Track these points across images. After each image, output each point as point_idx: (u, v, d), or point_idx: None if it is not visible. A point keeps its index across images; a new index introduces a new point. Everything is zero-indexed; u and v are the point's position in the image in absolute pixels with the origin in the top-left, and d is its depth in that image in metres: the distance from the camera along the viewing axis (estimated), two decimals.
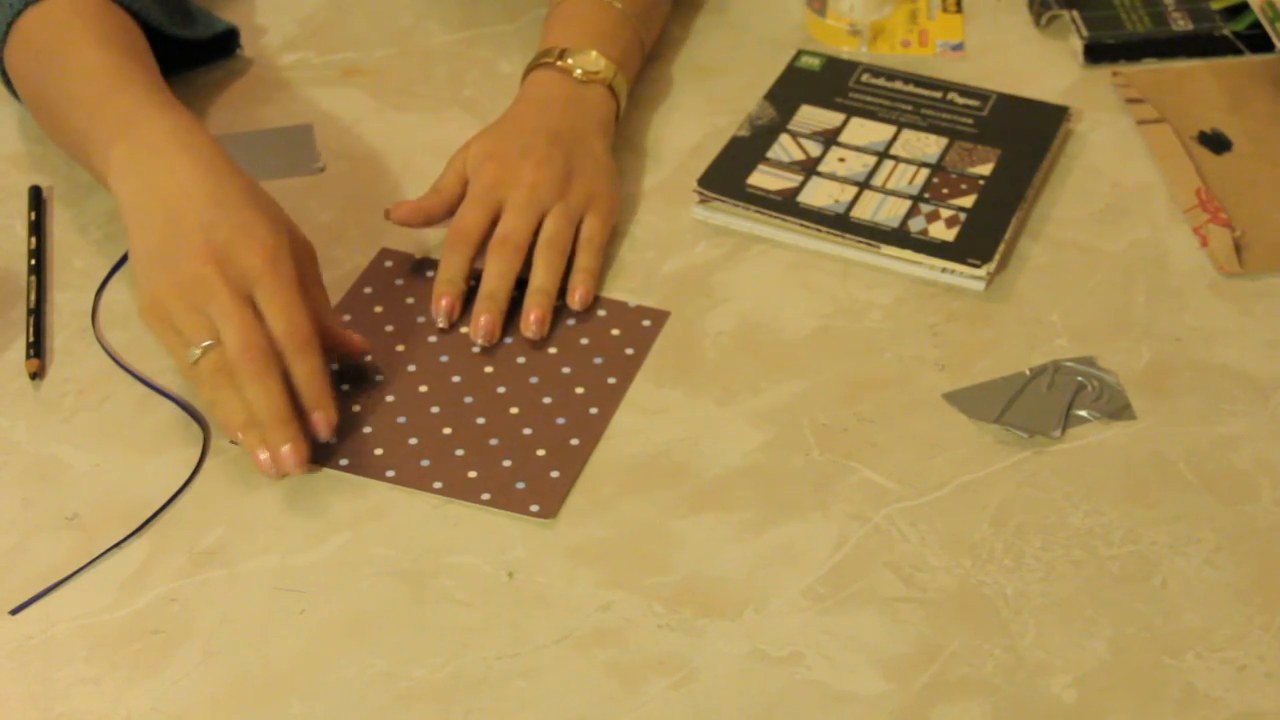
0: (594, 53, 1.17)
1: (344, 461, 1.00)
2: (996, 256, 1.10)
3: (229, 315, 0.97)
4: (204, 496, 0.99)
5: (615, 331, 1.08)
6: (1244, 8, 1.29)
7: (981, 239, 1.11)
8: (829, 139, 1.19)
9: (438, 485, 0.98)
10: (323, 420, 0.98)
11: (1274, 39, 1.24)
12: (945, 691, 0.88)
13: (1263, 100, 1.23)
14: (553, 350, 1.06)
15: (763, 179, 1.16)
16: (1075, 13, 1.30)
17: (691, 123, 1.23)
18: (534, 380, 1.04)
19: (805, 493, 0.98)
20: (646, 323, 1.08)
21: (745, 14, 1.34)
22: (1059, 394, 1.03)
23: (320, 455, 1.00)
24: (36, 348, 1.07)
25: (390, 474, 0.99)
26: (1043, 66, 1.28)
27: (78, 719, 0.89)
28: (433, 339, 1.07)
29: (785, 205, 1.14)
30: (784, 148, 1.18)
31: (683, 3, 1.34)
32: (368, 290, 1.10)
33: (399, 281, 1.11)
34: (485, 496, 0.98)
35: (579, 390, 1.04)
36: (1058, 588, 0.93)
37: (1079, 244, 1.13)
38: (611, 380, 1.04)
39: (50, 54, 1.12)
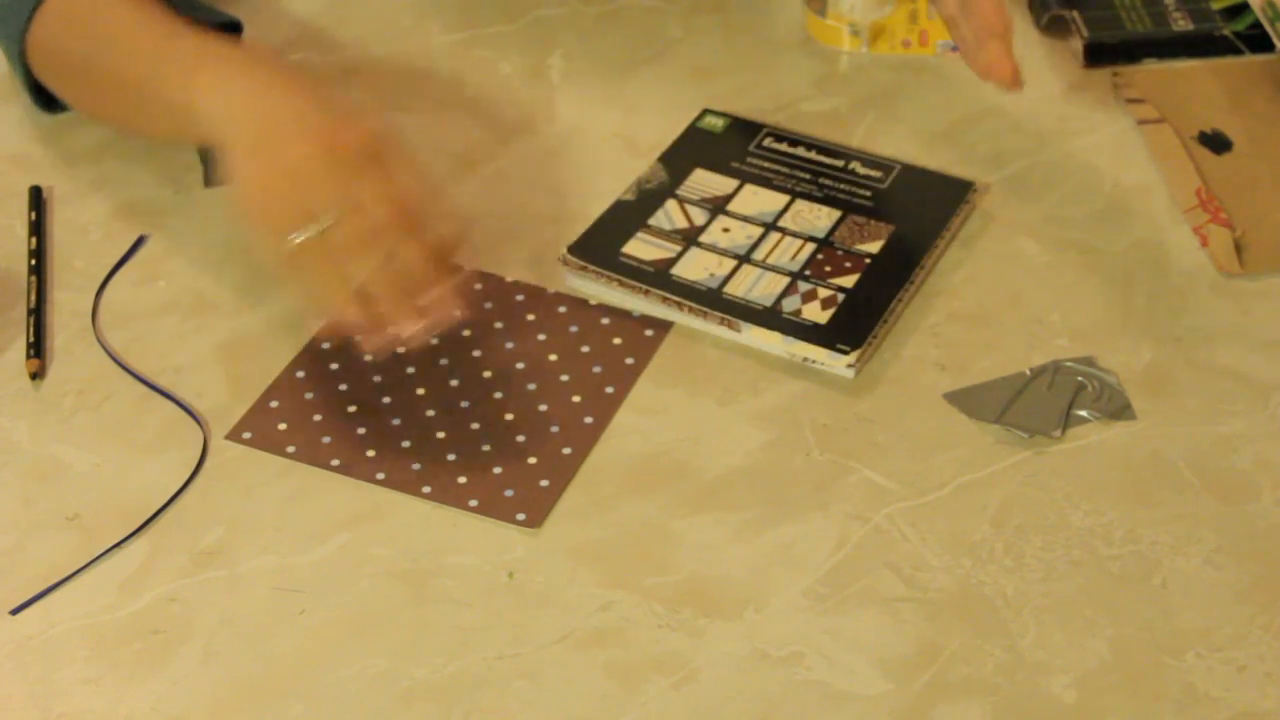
0: None
1: (335, 462, 1.00)
2: (867, 343, 1.04)
3: (336, 201, 0.96)
4: (204, 496, 0.99)
5: (617, 340, 1.07)
6: (1244, 8, 1.29)
7: (855, 324, 1.05)
8: (717, 207, 1.14)
9: (427, 490, 0.98)
10: (439, 298, 0.97)
11: (1274, 39, 1.24)
12: (945, 691, 0.88)
13: (1263, 100, 1.23)
14: (553, 357, 1.06)
15: (639, 248, 1.10)
16: (1075, 13, 1.30)
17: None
18: (531, 387, 1.04)
19: (805, 493, 0.98)
20: (649, 332, 1.08)
21: (745, 14, 1.34)
22: (1059, 394, 1.03)
23: (316, 456, 1.00)
24: (36, 348, 1.07)
25: (380, 476, 0.99)
26: (1043, 66, 1.28)
27: (78, 719, 0.89)
28: (434, 340, 1.07)
29: (656, 277, 1.09)
30: (668, 214, 1.13)
31: (683, 2, 1.34)
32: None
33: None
34: (473, 503, 0.98)
35: (576, 399, 1.04)
36: (1058, 588, 0.93)
37: (1079, 244, 1.13)
38: (609, 389, 1.04)
39: (91, 22, 1.12)
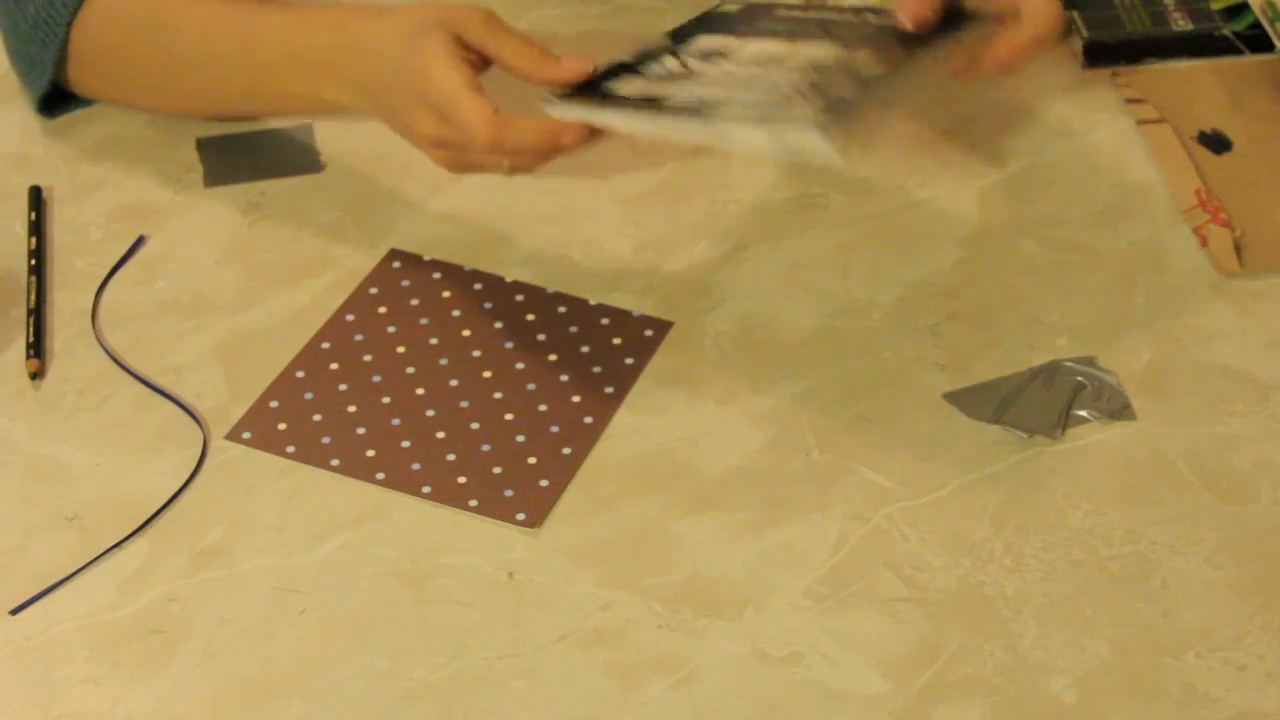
0: None
1: (335, 461, 1.00)
2: (846, 124, 0.95)
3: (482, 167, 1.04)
4: (204, 496, 0.99)
5: (616, 340, 1.07)
6: (1244, 8, 1.29)
7: (835, 107, 0.96)
8: (718, 55, 1.06)
9: (426, 490, 0.98)
10: (572, 61, 1.03)
11: (1274, 39, 1.24)
12: (945, 691, 0.88)
13: (1263, 100, 1.23)
14: (552, 357, 1.06)
15: (630, 87, 1.03)
16: (1075, 13, 1.30)
17: None
18: (531, 387, 1.04)
19: (805, 493, 0.98)
20: (649, 332, 1.08)
21: None
22: (1059, 394, 1.03)
23: (316, 455, 1.00)
24: (36, 348, 1.07)
25: (380, 476, 0.99)
26: (1043, 66, 1.28)
27: (78, 719, 0.89)
28: (434, 341, 1.07)
29: (645, 103, 1.01)
30: (665, 66, 1.06)
31: (682, 3, 1.33)
32: (373, 290, 1.10)
33: (405, 283, 1.11)
34: (473, 503, 0.98)
35: (575, 399, 1.03)
36: (1058, 588, 0.93)
37: (1079, 244, 1.13)
38: (609, 390, 1.04)
39: (145, 15, 1.14)
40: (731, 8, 1.16)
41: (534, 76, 1.04)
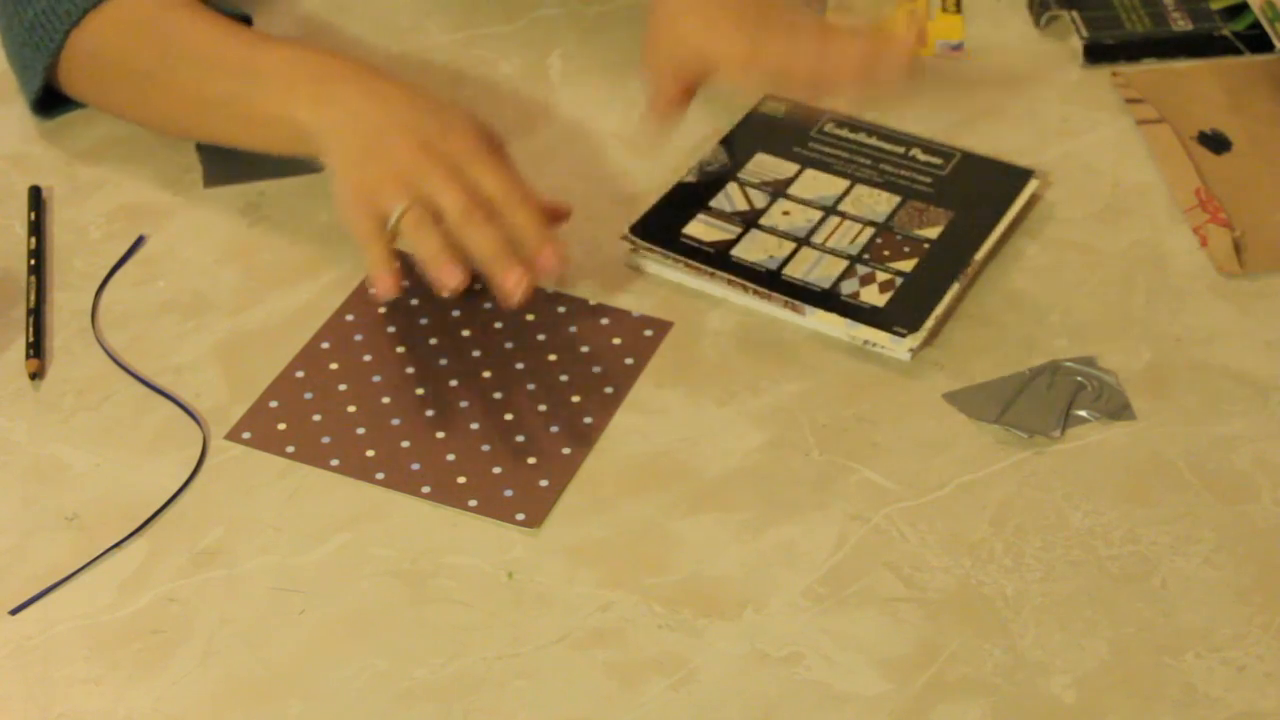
0: None
1: (335, 461, 1.00)
2: (925, 329, 1.05)
3: (446, 184, 1.03)
4: (204, 496, 0.99)
5: (616, 340, 1.07)
6: (1244, 8, 1.29)
7: (913, 308, 1.06)
8: (778, 190, 1.15)
9: (426, 490, 0.98)
10: (551, 254, 1.02)
11: (1274, 39, 1.24)
12: (945, 691, 0.88)
13: (1263, 100, 1.23)
14: (552, 357, 1.06)
15: (700, 229, 1.11)
16: (1075, 13, 1.30)
17: (690, 124, 1.22)
18: (531, 387, 1.04)
19: (805, 493, 0.98)
20: (648, 332, 1.08)
21: None
22: (1059, 394, 1.03)
23: (315, 456, 1.00)
24: (36, 348, 1.07)
25: (380, 476, 0.99)
26: (1042, 67, 1.28)
27: (77, 719, 0.89)
28: (433, 341, 1.07)
29: (716, 258, 1.10)
30: (729, 197, 1.14)
31: None
32: (373, 290, 1.10)
33: (405, 283, 1.11)
34: (472, 503, 0.98)
35: (575, 399, 1.03)
36: (1057, 588, 0.93)
37: (1079, 244, 1.13)
38: (608, 390, 1.04)
39: (157, 32, 1.14)
40: (778, 109, 1.22)
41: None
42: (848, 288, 1.08)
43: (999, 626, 0.91)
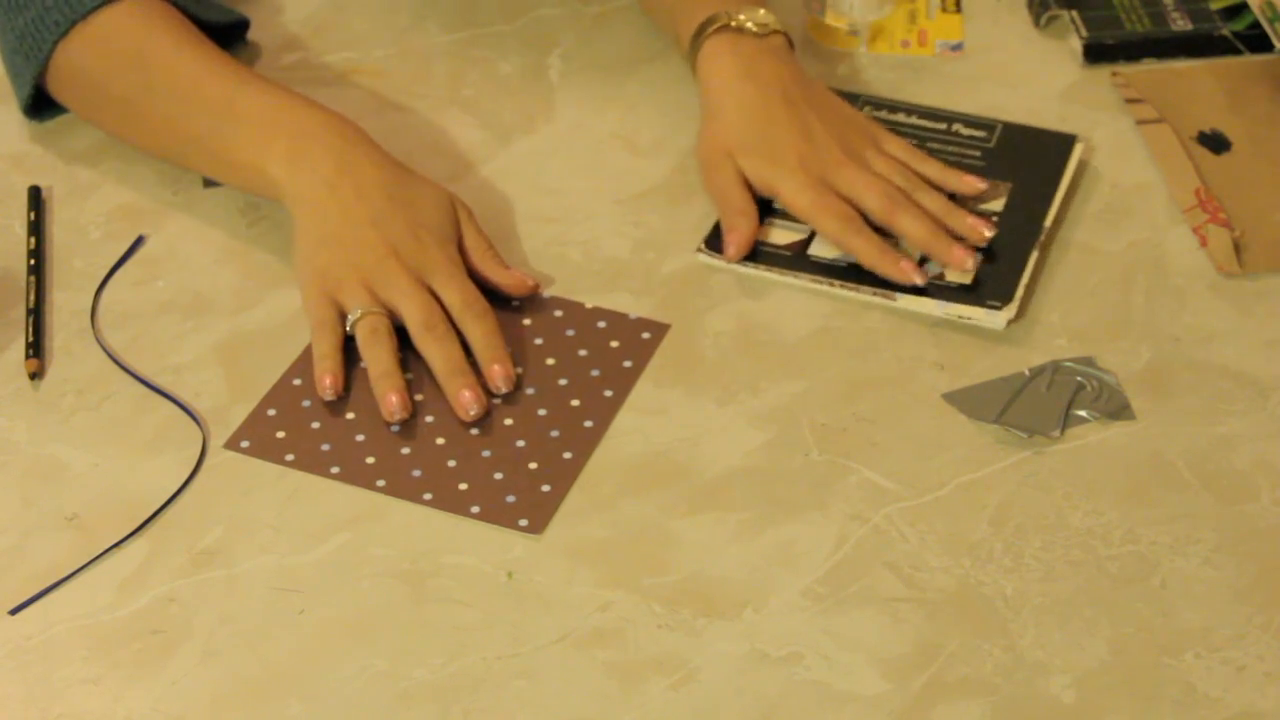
0: (761, 10, 1.18)
1: (336, 469, 1.00)
2: (1017, 297, 1.07)
3: (410, 294, 1.05)
4: (203, 497, 0.99)
5: (614, 343, 1.07)
6: (1243, 8, 1.29)
7: (999, 280, 1.08)
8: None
9: (428, 497, 0.98)
10: (500, 373, 1.03)
11: (1274, 39, 1.24)
12: (945, 691, 0.88)
13: (1262, 100, 1.23)
14: (550, 361, 1.06)
15: (770, 233, 1.12)
16: (1075, 13, 1.30)
17: (691, 123, 1.23)
18: (530, 391, 1.04)
19: (805, 493, 0.98)
20: (646, 335, 1.08)
21: None
22: (1058, 394, 1.03)
23: (316, 463, 1.00)
24: (36, 348, 1.07)
25: (381, 483, 0.99)
26: (1042, 67, 1.28)
27: (77, 719, 0.89)
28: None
29: (795, 260, 1.11)
30: None
31: None
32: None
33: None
34: (475, 509, 0.98)
35: (574, 403, 1.03)
36: (1057, 588, 0.93)
37: (1079, 244, 1.13)
38: (608, 393, 1.04)
39: (142, 57, 1.14)
40: None
41: (481, 269, 1.09)
42: (931, 269, 1.09)
43: (999, 626, 0.91)
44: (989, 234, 1.09)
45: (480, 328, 1.05)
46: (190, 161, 1.16)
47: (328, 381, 1.03)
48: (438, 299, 1.06)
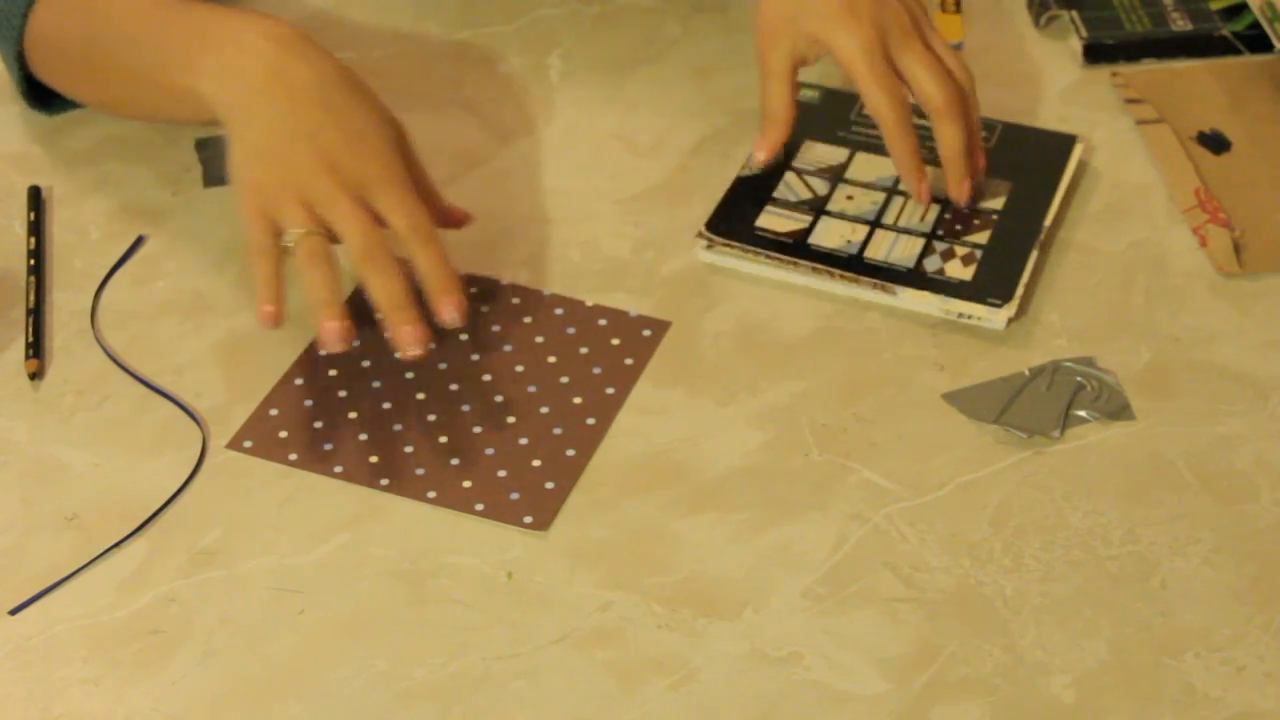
0: None
1: (338, 468, 1.00)
2: (1017, 295, 1.07)
3: (348, 217, 0.99)
4: (203, 497, 0.99)
5: (615, 341, 1.07)
6: (1243, 8, 1.29)
7: (1000, 278, 1.08)
8: (835, 176, 1.16)
9: (431, 495, 0.98)
10: (451, 304, 0.99)
11: (1273, 39, 1.24)
12: (945, 691, 0.88)
13: (1262, 100, 1.23)
14: (551, 359, 1.06)
15: (771, 220, 1.13)
16: (1074, 13, 1.30)
17: (691, 123, 1.23)
18: (532, 389, 1.04)
19: (804, 493, 0.98)
20: (647, 332, 1.08)
21: (745, 14, 1.33)
22: (1058, 394, 1.03)
23: (318, 463, 1.00)
24: (36, 348, 1.07)
25: (384, 482, 0.99)
26: (1042, 67, 1.28)
27: (77, 719, 0.89)
28: (431, 345, 1.07)
29: (796, 248, 1.11)
30: (790, 187, 1.15)
31: (683, 2, 1.34)
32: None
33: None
34: (479, 507, 0.98)
35: (576, 400, 1.03)
36: (1057, 588, 0.93)
37: (1078, 244, 1.13)
38: (610, 390, 1.04)
39: (89, 8, 1.12)
40: (813, 96, 1.22)
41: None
42: (931, 265, 1.09)
43: (999, 626, 0.91)
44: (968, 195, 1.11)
45: (426, 254, 0.99)
46: (145, 106, 1.13)
47: (268, 309, 0.98)
48: (382, 220, 1.00)
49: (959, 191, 1.10)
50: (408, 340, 0.98)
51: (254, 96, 1.03)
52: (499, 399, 1.04)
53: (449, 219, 1.07)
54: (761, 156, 1.13)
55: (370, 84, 1.06)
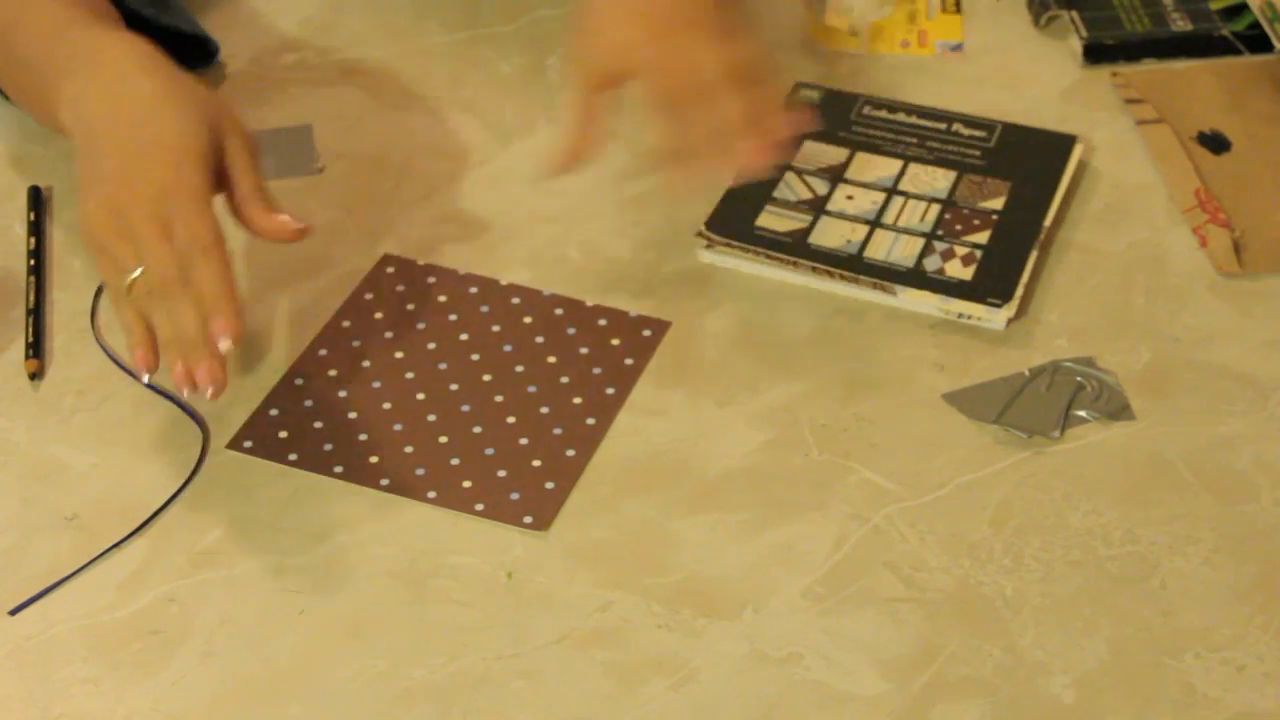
0: None
1: (339, 469, 1.00)
2: (1017, 295, 1.07)
3: (146, 244, 0.95)
4: (203, 497, 0.99)
5: (615, 341, 1.07)
6: (1243, 8, 1.29)
7: (999, 278, 1.08)
8: (835, 176, 1.16)
9: (432, 495, 0.98)
10: (220, 327, 0.93)
11: (1273, 39, 1.24)
12: (944, 692, 0.88)
13: (1262, 100, 1.23)
14: (551, 359, 1.06)
15: (771, 220, 1.13)
16: (1075, 13, 1.30)
17: None
18: (532, 389, 1.04)
19: (804, 493, 0.98)
20: (647, 332, 1.08)
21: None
22: (1058, 394, 1.03)
23: (318, 463, 1.00)
24: (36, 348, 1.07)
25: (384, 482, 0.99)
26: (1042, 67, 1.28)
27: (77, 719, 0.89)
28: (432, 345, 1.07)
29: (796, 247, 1.11)
30: (790, 186, 1.15)
31: None
32: (369, 296, 1.10)
33: (400, 287, 1.11)
34: (479, 507, 0.98)
35: (576, 400, 1.03)
36: (1057, 588, 0.93)
37: (1078, 244, 1.13)
38: (610, 391, 1.04)
39: (14, 21, 1.10)
40: (812, 96, 1.23)
41: (242, 212, 1.00)
42: (931, 264, 1.09)
43: (999, 627, 0.91)
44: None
45: (205, 270, 0.94)
46: (33, 109, 1.12)
47: (138, 354, 0.96)
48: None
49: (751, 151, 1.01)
50: (179, 379, 0.94)
51: (91, 127, 1.00)
52: (499, 399, 1.04)
53: (278, 231, 1.00)
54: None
55: (215, 93, 1.03)
